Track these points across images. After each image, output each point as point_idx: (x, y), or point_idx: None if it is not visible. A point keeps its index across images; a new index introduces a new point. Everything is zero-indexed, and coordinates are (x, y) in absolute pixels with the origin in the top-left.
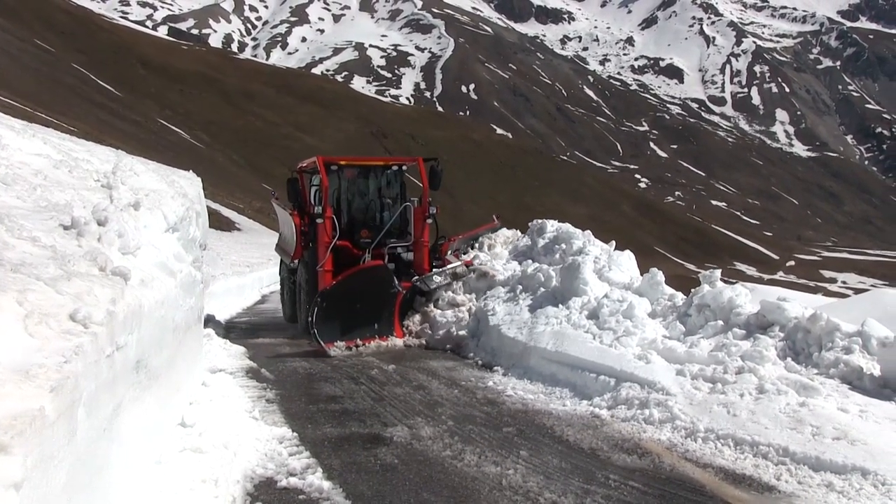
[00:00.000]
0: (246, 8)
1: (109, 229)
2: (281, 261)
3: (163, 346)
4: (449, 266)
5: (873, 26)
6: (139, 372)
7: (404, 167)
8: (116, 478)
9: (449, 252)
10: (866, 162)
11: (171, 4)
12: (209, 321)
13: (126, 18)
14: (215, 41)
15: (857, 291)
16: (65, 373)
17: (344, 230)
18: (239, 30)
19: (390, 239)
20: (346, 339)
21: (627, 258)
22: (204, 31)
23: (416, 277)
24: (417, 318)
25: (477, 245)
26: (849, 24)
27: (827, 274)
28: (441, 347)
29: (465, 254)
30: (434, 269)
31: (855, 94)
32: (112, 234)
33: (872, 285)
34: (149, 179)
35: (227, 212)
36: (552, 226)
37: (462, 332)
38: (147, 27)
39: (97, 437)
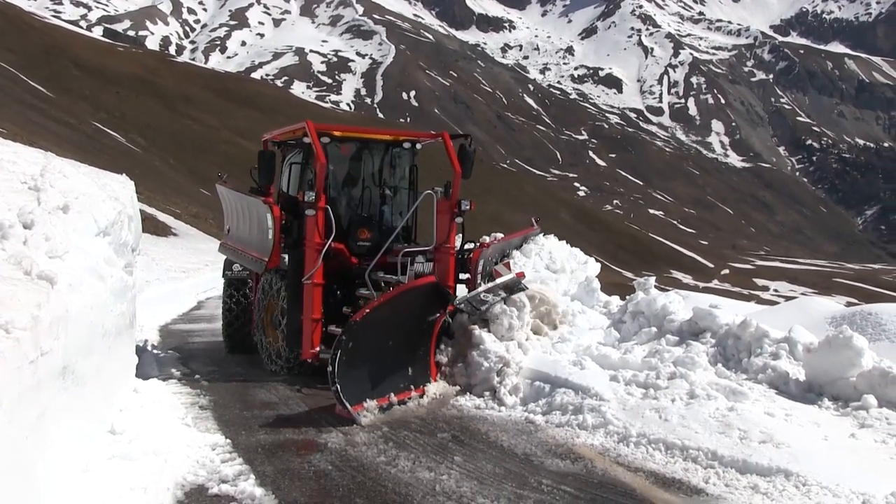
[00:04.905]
0: (184, 10)
1: (36, 232)
2: (226, 268)
3: (91, 351)
4: (500, 279)
5: (803, 41)
6: (66, 378)
7: (419, 145)
8: (40, 486)
9: (480, 262)
10: (797, 173)
11: (107, 5)
12: (143, 327)
13: (59, 18)
14: (152, 43)
15: (789, 299)
16: None
17: (339, 228)
18: (177, 32)
19: (400, 243)
20: (377, 396)
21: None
22: (140, 32)
23: (462, 297)
24: (450, 352)
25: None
26: (781, 38)
27: (760, 282)
28: (479, 395)
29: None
30: (481, 285)
31: (787, 106)
32: (39, 237)
33: (803, 293)
34: (79, 182)
35: (163, 216)
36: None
37: (508, 379)
38: (81, 27)
39: (20, 445)
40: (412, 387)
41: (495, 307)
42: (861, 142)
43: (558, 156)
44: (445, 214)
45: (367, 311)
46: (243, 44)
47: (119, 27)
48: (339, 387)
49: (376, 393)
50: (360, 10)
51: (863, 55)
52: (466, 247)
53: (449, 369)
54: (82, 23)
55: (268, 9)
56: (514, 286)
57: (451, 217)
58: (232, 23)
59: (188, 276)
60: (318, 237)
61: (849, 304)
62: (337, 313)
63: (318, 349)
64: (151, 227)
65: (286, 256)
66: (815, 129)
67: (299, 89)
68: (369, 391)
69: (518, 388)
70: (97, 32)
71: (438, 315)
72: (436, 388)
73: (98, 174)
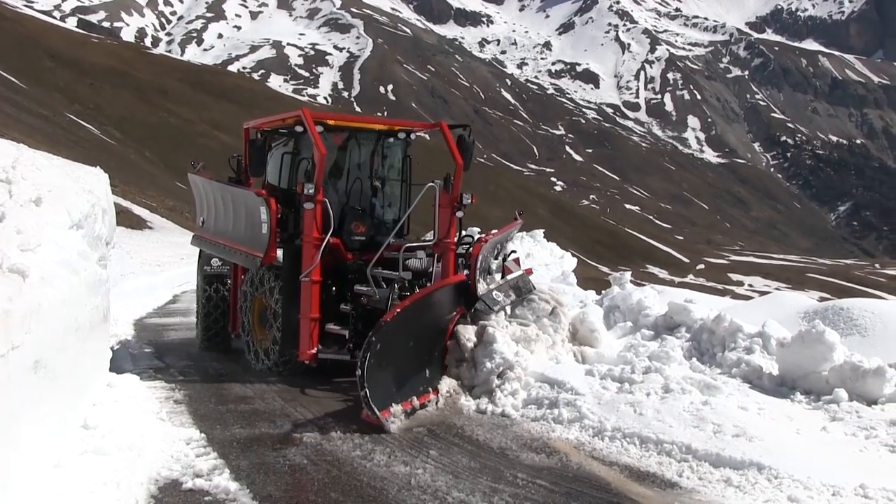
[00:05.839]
0: (160, 1)
1: (7, 225)
2: (200, 263)
3: (64, 345)
4: (510, 276)
5: (778, 38)
6: (38, 372)
7: (413, 135)
8: (11, 481)
9: (480, 258)
10: (772, 169)
11: None
12: (117, 321)
13: (32, 8)
14: (128, 35)
15: (763, 294)
16: None
17: (333, 222)
18: (153, 24)
19: (399, 238)
20: (401, 401)
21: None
22: (116, 24)
23: (480, 296)
24: (458, 350)
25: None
26: (756, 35)
27: (735, 277)
28: (477, 396)
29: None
30: (480, 281)
31: (762, 102)
32: (10, 230)
33: (777, 288)
34: (52, 175)
35: (138, 209)
36: None
37: (509, 383)
38: (55, 18)
39: None
40: (430, 389)
41: (531, 328)
42: (834, 138)
43: (535, 150)
44: (446, 208)
45: (398, 310)
46: (220, 36)
47: (94, 18)
48: (367, 391)
49: (400, 396)
50: (338, 3)
51: (836, 53)
52: (465, 241)
53: (456, 368)
54: (56, 13)
55: (245, 1)
56: (525, 286)
57: (452, 211)
58: (208, 15)
59: (163, 269)
60: (316, 232)
61: (821, 299)
62: (332, 311)
63: (315, 350)
64: (126, 220)
65: (280, 252)
66: (789, 125)
67: (276, 82)
68: (394, 395)
69: (517, 392)
70: (71, 23)
71: (455, 314)
72: (447, 384)
73: (72, 167)
